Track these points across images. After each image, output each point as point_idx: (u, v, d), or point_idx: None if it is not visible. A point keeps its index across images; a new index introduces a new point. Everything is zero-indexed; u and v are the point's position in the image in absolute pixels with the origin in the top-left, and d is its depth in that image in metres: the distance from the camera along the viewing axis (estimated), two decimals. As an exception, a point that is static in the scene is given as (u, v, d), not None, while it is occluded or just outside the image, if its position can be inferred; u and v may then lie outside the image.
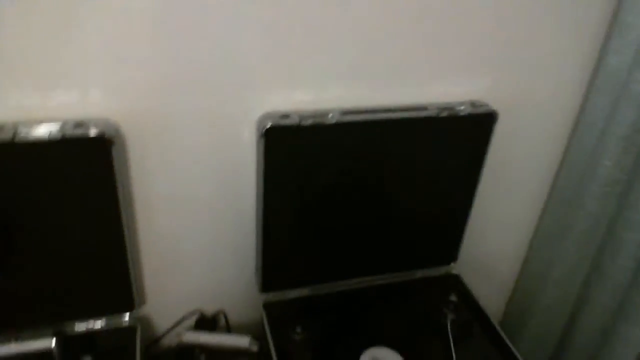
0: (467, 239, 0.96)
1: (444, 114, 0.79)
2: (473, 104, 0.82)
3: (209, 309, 0.95)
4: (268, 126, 0.71)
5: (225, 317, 0.96)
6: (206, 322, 0.94)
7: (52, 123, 0.64)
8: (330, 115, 0.74)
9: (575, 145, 0.94)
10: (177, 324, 0.92)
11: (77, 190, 0.69)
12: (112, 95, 0.69)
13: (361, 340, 0.84)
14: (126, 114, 0.70)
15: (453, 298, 0.92)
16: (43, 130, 0.63)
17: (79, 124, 0.64)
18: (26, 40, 0.62)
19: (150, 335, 0.92)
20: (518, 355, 0.83)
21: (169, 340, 0.91)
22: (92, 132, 0.64)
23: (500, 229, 1.06)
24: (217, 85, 0.72)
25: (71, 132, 0.63)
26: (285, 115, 0.73)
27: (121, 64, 0.67)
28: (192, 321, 0.93)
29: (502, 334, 0.87)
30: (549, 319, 1.08)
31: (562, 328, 1.08)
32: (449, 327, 0.86)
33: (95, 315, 0.82)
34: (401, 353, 0.82)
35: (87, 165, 0.66)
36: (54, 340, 0.76)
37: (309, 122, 0.72)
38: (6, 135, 0.62)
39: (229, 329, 0.97)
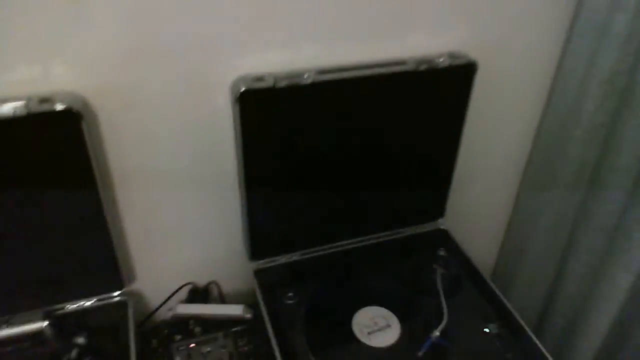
0: (453, 194, 0.96)
1: (423, 67, 0.77)
2: (452, 55, 0.80)
3: (201, 280, 0.95)
4: (242, 90, 0.69)
5: (218, 288, 0.96)
6: (199, 294, 0.94)
7: (16, 101, 0.62)
8: (306, 75, 0.72)
9: (558, 92, 0.92)
10: (170, 297, 0.92)
11: (49, 169, 0.67)
12: (77, 68, 0.67)
13: (353, 300, 0.84)
14: (94, 87, 0.68)
15: (442, 253, 0.93)
16: (7, 108, 0.60)
17: (45, 100, 0.62)
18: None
19: (143, 310, 0.92)
20: (509, 306, 0.83)
21: (163, 314, 0.92)
22: (59, 106, 0.62)
23: (486, 180, 1.06)
24: (186, 51, 0.70)
25: (37, 108, 0.61)
26: (260, 78, 0.71)
27: (85, 34, 0.65)
28: (185, 294, 0.93)
29: (493, 285, 0.87)
30: (539, 267, 1.09)
31: (552, 276, 1.09)
32: (438, 282, 0.87)
33: (85, 296, 0.81)
34: (393, 311, 0.82)
35: (57, 141, 0.65)
36: (46, 322, 0.76)
37: (284, 83, 0.71)
38: (-33, 115, 0.60)
39: (222, 299, 0.97)
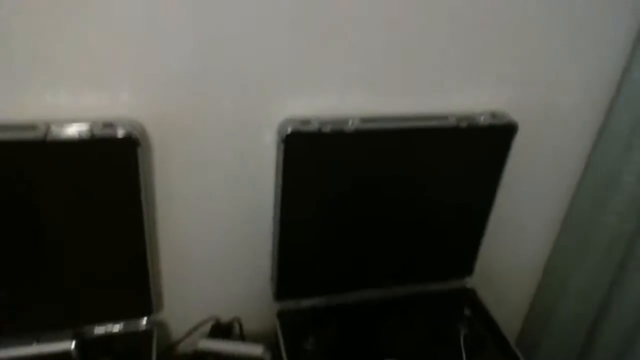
0: (483, 253, 0.95)
1: (464, 124, 0.79)
2: (493, 114, 0.82)
3: (225, 315, 0.95)
4: (289, 132, 0.72)
5: (240, 325, 0.96)
6: (221, 329, 0.94)
7: (82, 123, 0.66)
8: (350, 122, 0.75)
9: (598, 160, 0.93)
10: (193, 330, 0.92)
11: (102, 191, 0.70)
12: (140, 97, 0.71)
13: (373, 352, 0.83)
14: (152, 115, 0.72)
15: (467, 312, 0.92)
16: (73, 130, 0.65)
17: (108, 124, 0.66)
18: (59, 41, 0.65)
19: (166, 340, 0.92)
20: (533, 373, 0.82)
21: (184, 346, 0.91)
22: (120, 132, 0.66)
23: (517, 243, 1.06)
24: (240, 89, 0.74)
25: (100, 132, 0.65)
26: (306, 121, 0.74)
27: (149, 66, 0.69)
28: (207, 328, 0.93)
29: (517, 351, 0.86)
30: (566, 336, 1.06)
31: (580, 346, 1.06)
32: (462, 342, 0.86)
33: (114, 319, 0.82)
34: (414, 366, 0.81)
35: (113, 165, 0.68)
36: (73, 343, 0.77)
37: (328, 128, 0.73)
38: (38, 134, 0.64)
39: (243, 337, 0.96)
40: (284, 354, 0.82)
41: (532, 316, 1.14)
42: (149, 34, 0.67)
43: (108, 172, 0.69)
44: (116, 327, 0.82)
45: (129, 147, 0.67)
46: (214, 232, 0.86)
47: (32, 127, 0.64)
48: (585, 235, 0.97)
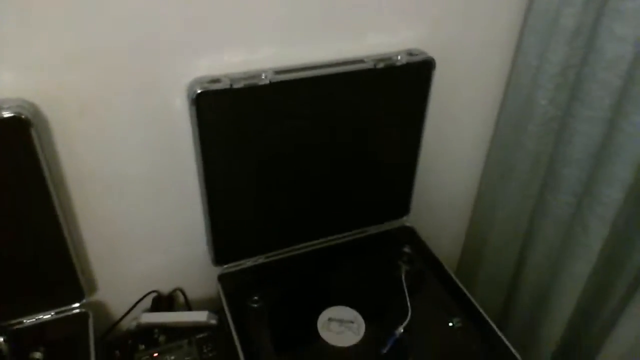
0: (417, 191, 0.97)
1: (381, 65, 0.78)
2: (409, 52, 0.81)
3: (166, 288, 0.94)
4: (198, 92, 0.68)
5: (184, 294, 0.95)
6: (163, 302, 0.93)
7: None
8: (263, 75, 0.72)
9: (512, 87, 0.95)
10: (133, 307, 0.90)
11: (1, 178, 0.65)
12: (26, 74, 0.65)
13: (318, 302, 0.84)
14: (45, 92, 0.66)
15: (406, 250, 0.94)
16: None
17: (-10, 107, 0.60)
18: None
19: (108, 320, 0.90)
20: (473, 300, 0.85)
21: (127, 324, 0.89)
22: (6, 113, 0.60)
23: (448, 177, 1.08)
24: (140, 53, 0.69)
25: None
26: (216, 80, 0.70)
27: (33, 39, 0.63)
28: (149, 303, 0.92)
29: (457, 280, 0.89)
30: (499, 260, 1.11)
31: (512, 268, 1.12)
32: (403, 278, 0.88)
33: (43, 309, 0.79)
34: (358, 309, 0.82)
35: (6, 149, 0.63)
36: (1, 338, 0.73)
37: (240, 84, 0.70)
38: None
39: (189, 306, 0.95)
40: (229, 316, 0.81)
41: (469, 245, 1.19)
42: (35, 10, 0.61)
43: (3, 158, 0.63)
44: (48, 316, 0.79)
45: (20, 128, 0.61)
46: (138, 205, 0.82)
47: None
48: (508, 161, 1.00)
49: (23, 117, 0.61)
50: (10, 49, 0.62)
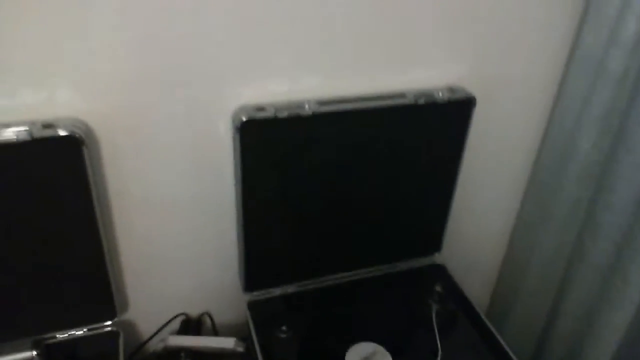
0: (450, 228, 0.96)
1: (422, 100, 0.78)
2: (450, 89, 0.81)
3: (194, 311, 0.94)
4: (243, 120, 0.70)
5: (211, 319, 0.95)
6: (191, 325, 0.93)
7: (20, 125, 0.62)
8: (306, 106, 0.73)
9: (554, 128, 0.94)
10: (161, 328, 0.91)
11: (50, 194, 0.67)
12: (81, 94, 0.67)
13: (347, 335, 0.83)
14: (97, 113, 0.69)
15: (438, 288, 0.92)
16: (10, 133, 0.61)
17: (47, 125, 0.63)
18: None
19: (136, 339, 0.90)
20: (504, 344, 0.83)
21: (154, 345, 0.90)
22: (61, 132, 0.63)
23: (483, 216, 1.07)
24: (189, 79, 0.71)
25: (40, 133, 0.62)
26: (261, 108, 0.72)
27: (89, 61, 0.66)
28: (177, 325, 0.92)
29: (488, 323, 0.87)
30: (533, 306, 1.08)
31: (546, 315, 1.08)
32: (434, 318, 0.86)
33: (77, 325, 0.79)
34: (387, 347, 0.81)
35: (58, 167, 0.65)
36: (34, 352, 0.74)
37: (284, 114, 0.71)
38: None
39: (215, 331, 0.95)
40: (257, 345, 0.81)
41: (501, 287, 1.16)
42: (88, 25, 0.63)
43: (55, 175, 0.65)
44: (80, 332, 0.80)
45: (73, 147, 0.64)
46: (175, 227, 0.83)
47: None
48: (546, 204, 0.98)
49: (77, 136, 0.63)
50: (69, 67, 0.65)
